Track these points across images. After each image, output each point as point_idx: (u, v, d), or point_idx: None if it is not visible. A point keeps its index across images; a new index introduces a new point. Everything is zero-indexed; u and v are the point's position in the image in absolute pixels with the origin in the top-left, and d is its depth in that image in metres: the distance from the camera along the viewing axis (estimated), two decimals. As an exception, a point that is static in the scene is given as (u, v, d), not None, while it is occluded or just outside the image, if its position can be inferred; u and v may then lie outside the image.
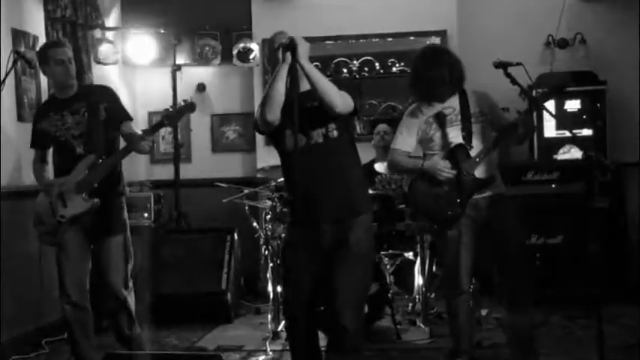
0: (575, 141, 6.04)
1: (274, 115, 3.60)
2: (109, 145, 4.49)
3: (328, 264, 3.67)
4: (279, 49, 3.56)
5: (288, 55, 3.51)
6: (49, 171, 4.61)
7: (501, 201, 4.29)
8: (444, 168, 4.23)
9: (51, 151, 4.60)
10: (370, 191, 5.76)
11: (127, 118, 4.56)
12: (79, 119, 4.41)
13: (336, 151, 3.68)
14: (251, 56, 7.15)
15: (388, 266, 5.64)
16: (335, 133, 3.67)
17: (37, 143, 4.59)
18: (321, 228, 3.65)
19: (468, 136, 4.27)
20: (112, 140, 4.54)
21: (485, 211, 4.25)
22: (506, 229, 4.26)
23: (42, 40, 5.96)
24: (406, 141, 4.40)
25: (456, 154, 4.25)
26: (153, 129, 4.48)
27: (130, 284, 4.57)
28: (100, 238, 4.45)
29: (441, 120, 4.28)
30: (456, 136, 4.27)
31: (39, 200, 4.46)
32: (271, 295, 5.67)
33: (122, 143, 4.58)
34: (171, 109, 4.45)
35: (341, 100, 3.58)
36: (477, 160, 4.21)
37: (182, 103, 4.50)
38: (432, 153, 4.36)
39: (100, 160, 4.36)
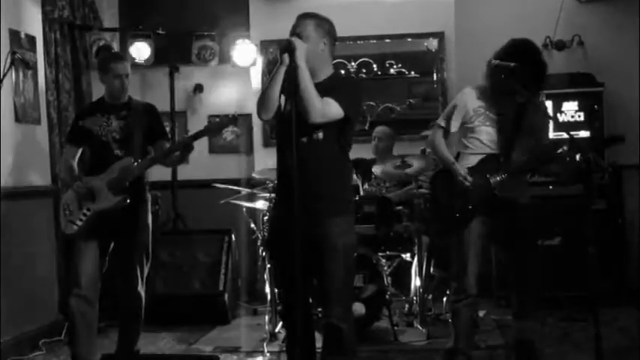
0: (572, 143, 6.03)
1: (268, 115, 3.71)
2: (142, 155, 4.66)
3: (309, 260, 3.68)
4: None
5: (286, 56, 3.55)
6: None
7: (522, 210, 4.28)
8: (464, 177, 4.23)
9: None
10: (366, 187, 5.80)
11: (165, 137, 4.83)
12: (122, 125, 4.64)
13: (318, 153, 3.69)
14: (249, 57, 7.16)
15: (385, 268, 5.64)
16: (320, 135, 3.69)
17: (75, 139, 4.76)
18: (298, 224, 3.62)
19: (508, 147, 4.26)
20: (145, 152, 4.72)
21: (505, 218, 4.25)
22: (523, 239, 4.27)
23: (39, 41, 5.96)
24: (451, 121, 4.41)
25: (486, 165, 4.26)
26: (190, 139, 4.60)
27: (144, 287, 4.72)
28: (124, 238, 4.60)
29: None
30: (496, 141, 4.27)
31: (68, 194, 4.63)
32: (269, 297, 5.67)
33: None
34: (215, 122, 4.65)
35: (319, 112, 3.59)
36: (504, 176, 4.20)
37: (225, 116, 4.60)
38: (468, 145, 4.36)
39: (135, 164, 4.56)
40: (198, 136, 4.58)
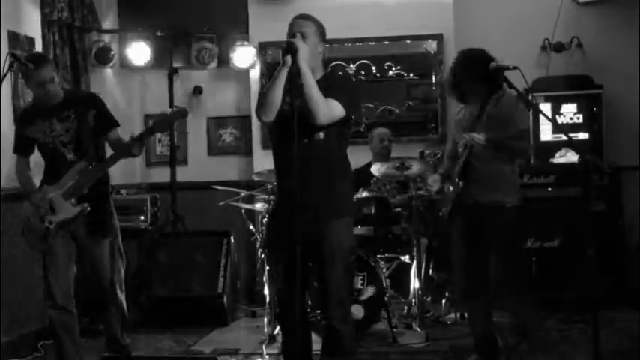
0: (571, 145, 6.04)
1: (269, 117, 3.69)
2: (97, 152, 4.53)
3: (309, 262, 3.74)
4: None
5: (288, 58, 3.55)
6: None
7: (500, 210, 4.33)
8: (432, 184, 4.61)
9: (31, 157, 4.64)
10: (366, 194, 5.80)
11: (115, 124, 4.60)
12: (68, 126, 4.43)
13: (319, 153, 3.71)
14: (248, 59, 7.16)
15: (384, 269, 5.64)
16: (321, 135, 3.70)
17: (22, 150, 4.59)
18: (298, 226, 3.62)
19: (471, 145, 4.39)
20: (99, 147, 4.59)
21: (484, 217, 4.31)
22: (498, 239, 4.33)
23: (38, 42, 5.96)
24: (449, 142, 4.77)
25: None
26: (142, 137, 4.41)
27: (123, 287, 4.63)
28: (92, 242, 4.48)
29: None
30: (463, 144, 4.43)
31: (26, 207, 4.47)
32: (267, 299, 5.67)
33: (107, 148, 4.67)
34: (163, 113, 4.47)
35: (326, 112, 3.62)
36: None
37: (174, 109, 4.51)
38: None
39: (90, 167, 4.39)
40: (147, 134, 4.45)
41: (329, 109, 3.62)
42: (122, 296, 4.61)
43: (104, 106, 4.61)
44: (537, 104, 6.34)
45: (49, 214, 4.37)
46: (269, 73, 6.95)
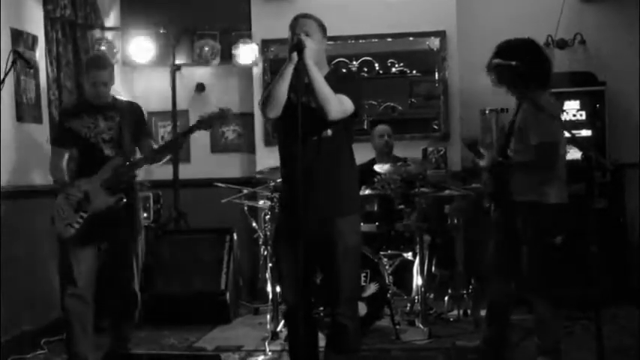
0: (574, 141, 6.03)
1: (275, 113, 3.68)
2: (132, 155, 4.70)
3: (315, 259, 3.73)
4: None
5: (295, 55, 3.56)
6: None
7: (534, 208, 4.29)
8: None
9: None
10: (369, 191, 5.79)
11: (150, 135, 4.91)
12: (111, 125, 4.62)
13: (327, 150, 3.70)
14: (250, 56, 7.16)
15: (387, 266, 5.64)
16: (329, 132, 3.70)
17: (62, 142, 4.73)
18: (306, 223, 3.58)
19: (502, 148, 4.42)
20: (133, 151, 4.75)
21: (518, 215, 4.32)
22: (524, 236, 4.33)
23: (41, 40, 5.96)
24: None
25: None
26: (186, 133, 4.68)
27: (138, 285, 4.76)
28: (119, 239, 4.61)
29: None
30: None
31: (60, 197, 4.58)
32: (270, 295, 5.67)
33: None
34: (205, 116, 4.59)
35: (337, 108, 3.62)
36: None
37: (217, 110, 4.59)
38: None
39: (127, 163, 4.57)
40: (187, 133, 4.64)
41: (340, 105, 3.63)
42: (138, 293, 4.74)
43: (143, 115, 4.88)
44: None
45: (84, 203, 4.50)
46: (272, 70, 6.96)
